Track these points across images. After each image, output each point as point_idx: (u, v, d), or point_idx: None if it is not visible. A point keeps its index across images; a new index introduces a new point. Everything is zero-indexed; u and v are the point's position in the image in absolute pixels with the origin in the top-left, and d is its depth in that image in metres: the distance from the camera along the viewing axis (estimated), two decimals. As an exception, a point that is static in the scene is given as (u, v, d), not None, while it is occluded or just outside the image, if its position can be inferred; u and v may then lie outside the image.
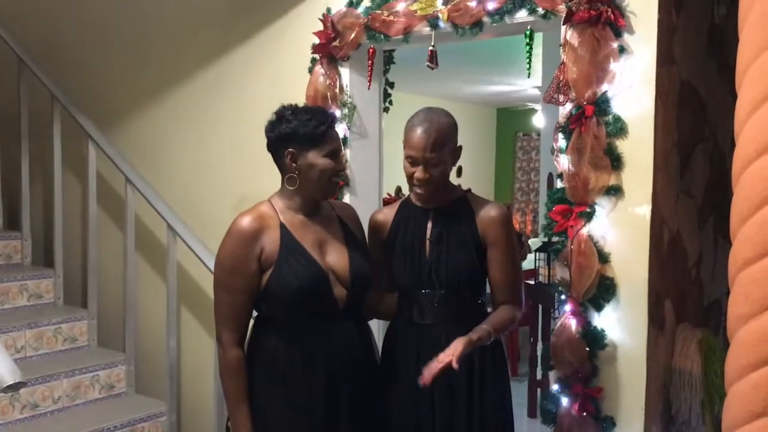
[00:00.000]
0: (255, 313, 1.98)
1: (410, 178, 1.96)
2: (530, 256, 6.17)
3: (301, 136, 1.88)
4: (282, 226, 1.91)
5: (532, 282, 4.25)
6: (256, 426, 1.89)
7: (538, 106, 7.70)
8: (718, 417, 1.40)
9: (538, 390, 4.11)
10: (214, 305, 1.93)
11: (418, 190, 1.97)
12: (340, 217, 2.05)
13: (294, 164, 1.90)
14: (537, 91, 7.14)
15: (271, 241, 1.88)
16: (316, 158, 1.89)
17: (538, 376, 4.12)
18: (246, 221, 1.88)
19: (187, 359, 3.28)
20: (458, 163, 2.12)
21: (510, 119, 10.12)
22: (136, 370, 3.33)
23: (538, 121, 7.03)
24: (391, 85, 3.77)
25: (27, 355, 3.16)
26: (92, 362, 3.21)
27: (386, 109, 3.42)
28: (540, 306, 4.31)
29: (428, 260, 1.99)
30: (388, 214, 2.11)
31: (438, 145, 1.91)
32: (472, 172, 8.88)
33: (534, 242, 5.98)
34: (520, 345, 5.49)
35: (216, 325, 1.92)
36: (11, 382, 1.94)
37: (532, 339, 4.58)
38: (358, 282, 1.94)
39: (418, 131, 1.92)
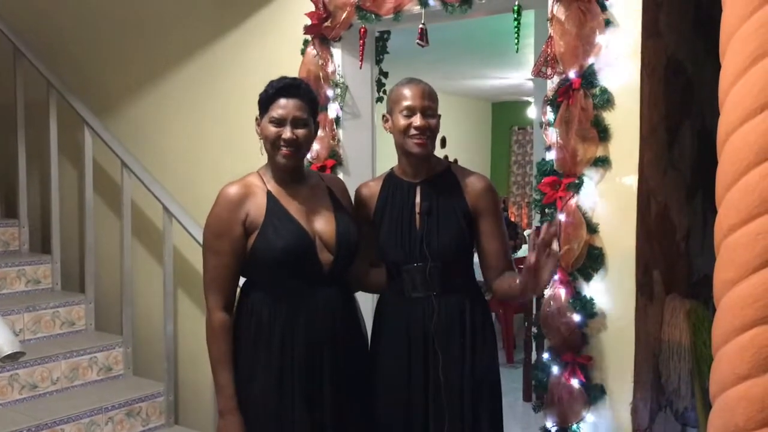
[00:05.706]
0: (243, 281, 2.00)
1: (407, 129, 1.97)
2: (524, 246, 6.23)
3: (259, 102, 1.97)
4: (269, 193, 1.95)
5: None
6: (241, 390, 1.91)
7: (532, 99, 7.73)
8: (707, 387, 1.41)
9: (533, 374, 4.14)
10: (203, 270, 1.97)
11: (417, 140, 1.97)
12: (329, 188, 2.08)
13: (258, 131, 1.98)
14: (531, 84, 7.16)
15: (256, 207, 1.92)
16: (264, 123, 1.95)
17: (533, 360, 4.15)
18: (232, 188, 1.94)
19: (183, 342, 3.30)
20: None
21: (505, 113, 10.15)
22: (134, 353, 3.36)
23: (532, 112, 7.07)
24: (385, 74, 3.80)
25: (25, 338, 3.19)
26: (90, 344, 3.24)
27: (380, 99, 3.44)
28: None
29: (419, 233, 2.00)
30: (373, 188, 2.12)
31: (433, 98, 2.02)
32: (468, 166, 8.91)
33: (528, 234, 6.02)
34: (515, 333, 5.52)
35: (203, 289, 1.95)
36: (9, 352, 1.97)
37: (526, 324, 4.61)
38: (344, 248, 1.96)
39: (413, 84, 2.00)
